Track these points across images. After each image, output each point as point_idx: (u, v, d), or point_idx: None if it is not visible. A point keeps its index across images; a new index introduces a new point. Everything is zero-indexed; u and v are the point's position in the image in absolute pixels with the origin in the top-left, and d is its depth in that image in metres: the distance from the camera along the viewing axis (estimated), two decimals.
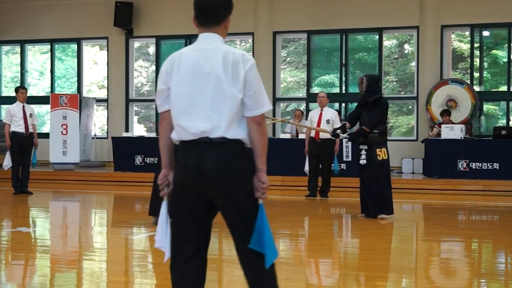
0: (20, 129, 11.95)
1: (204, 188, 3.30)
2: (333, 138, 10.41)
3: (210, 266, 5.91)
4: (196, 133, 3.28)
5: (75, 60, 18.86)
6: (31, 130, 12.09)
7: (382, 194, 8.79)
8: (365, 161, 8.79)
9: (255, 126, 3.35)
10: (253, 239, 3.28)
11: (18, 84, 18.94)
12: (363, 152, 8.81)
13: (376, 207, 8.83)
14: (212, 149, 3.27)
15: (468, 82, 15.62)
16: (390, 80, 17.30)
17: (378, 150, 8.71)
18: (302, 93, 17.50)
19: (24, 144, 12.02)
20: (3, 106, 19.23)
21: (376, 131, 8.74)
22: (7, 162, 12.01)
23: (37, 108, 19.56)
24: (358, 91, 9.01)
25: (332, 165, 11.57)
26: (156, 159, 13.98)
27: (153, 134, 16.38)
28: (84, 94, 18.50)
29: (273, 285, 3.40)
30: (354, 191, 11.36)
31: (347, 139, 8.99)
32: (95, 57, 19.59)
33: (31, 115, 12.17)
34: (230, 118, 3.29)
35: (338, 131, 9.23)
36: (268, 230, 3.31)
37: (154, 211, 8.08)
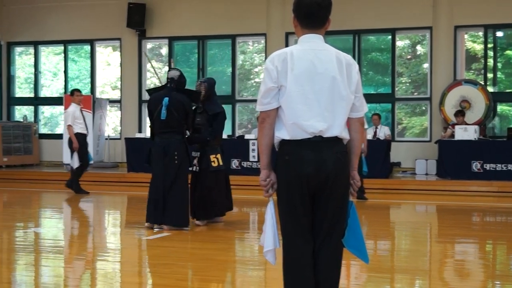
0: (83, 130, 12.27)
1: (318, 183, 3.34)
2: None
3: (222, 267, 5.93)
4: (314, 132, 3.33)
5: (88, 61, 18.94)
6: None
7: None
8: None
9: (359, 127, 3.50)
10: (347, 235, 3.43)
11: (32, 85, 19.13)
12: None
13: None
14: (328, 147, 3.34)
15: (482, 83, 15.53)
16: (403, 81, 17.21)
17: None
18: None
19: (85, 145, 12.35)
20: (16, 107, 19.37)
21: None
22: (75, 162, 12.06)
23: (50, 109, 19.69)
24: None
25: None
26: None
27: None
28: (97, 95, 18.56)
29: (337, 283, 3.49)
30: (369, 193, 11.35)
31: None
32: (108, 58, 19.65)
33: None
34: (344, 118, 3.40)
35: None
36: (359, 226, 3.47)
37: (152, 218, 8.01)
